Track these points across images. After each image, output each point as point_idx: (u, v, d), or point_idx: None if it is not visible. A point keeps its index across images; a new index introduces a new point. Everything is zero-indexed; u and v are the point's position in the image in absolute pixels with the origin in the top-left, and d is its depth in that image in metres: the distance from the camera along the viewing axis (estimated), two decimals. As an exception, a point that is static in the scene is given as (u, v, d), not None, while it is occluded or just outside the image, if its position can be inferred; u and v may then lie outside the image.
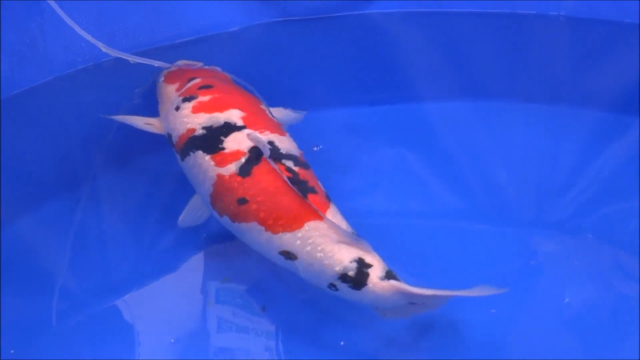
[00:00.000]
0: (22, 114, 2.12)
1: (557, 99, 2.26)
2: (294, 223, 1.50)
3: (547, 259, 1.69)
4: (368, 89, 2.27)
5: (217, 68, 2.05)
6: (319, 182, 1.61)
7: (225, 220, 1.60)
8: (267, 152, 1.60)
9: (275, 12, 2.53)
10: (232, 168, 1.60)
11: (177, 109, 1.79)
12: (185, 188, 1.70)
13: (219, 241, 1.71)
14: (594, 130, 2.11)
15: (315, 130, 2.00)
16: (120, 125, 1.98)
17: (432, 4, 2.64)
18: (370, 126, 2.09)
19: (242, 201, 1.56)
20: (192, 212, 1.70)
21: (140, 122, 1.90)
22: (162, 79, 2.02)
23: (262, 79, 1.88)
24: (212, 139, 1.67)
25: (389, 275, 1.41)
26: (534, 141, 2.06)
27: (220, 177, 1.61)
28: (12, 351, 1.48)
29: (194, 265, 1.69)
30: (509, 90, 2.30)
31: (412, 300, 1.40)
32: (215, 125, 1.70)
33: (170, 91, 1.92)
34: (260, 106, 1.81)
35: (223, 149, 1.65)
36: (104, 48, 1.68)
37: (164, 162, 1.63)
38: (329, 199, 1.58)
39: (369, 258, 1.43)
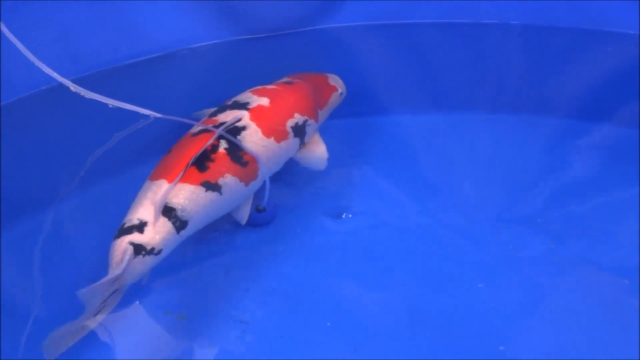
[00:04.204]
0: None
1: (518, 108, 2.29)
2: (158, 176, 1.56)
3: (509, 253, 1.71)
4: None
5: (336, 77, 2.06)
6: (225, 175, 1.61)
7: None
8: (222, 130, 1.63)
9: (240, 29, 2.53)
10: (195, 130, 1.68)
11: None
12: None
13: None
14: (554, 136, 2.14)
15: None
16: (91, 142, 1.99)
17: (395, 16, 2.66)
18: (338, 139, 2.08)
19: (168, 151, 1.65)
20: None
21: None
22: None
23: (225, 95, 1.88)
24: (223, 110, 1.75)
25: (137, 249, 1.44)
26: (499, 148, 2.09)
27: (186, 135, 1.69)
28: None
29: (169, 282, 1.65)
30: (473, 99, 2.33)
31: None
32: (240, 102, 1.77)
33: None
34: (295, 113, 1.80)
35: (216, 116, 1.73)
36: (72, 88, 1.67)
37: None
38: (204, 186, 1.57)
39: (149, 230, 1.47)
